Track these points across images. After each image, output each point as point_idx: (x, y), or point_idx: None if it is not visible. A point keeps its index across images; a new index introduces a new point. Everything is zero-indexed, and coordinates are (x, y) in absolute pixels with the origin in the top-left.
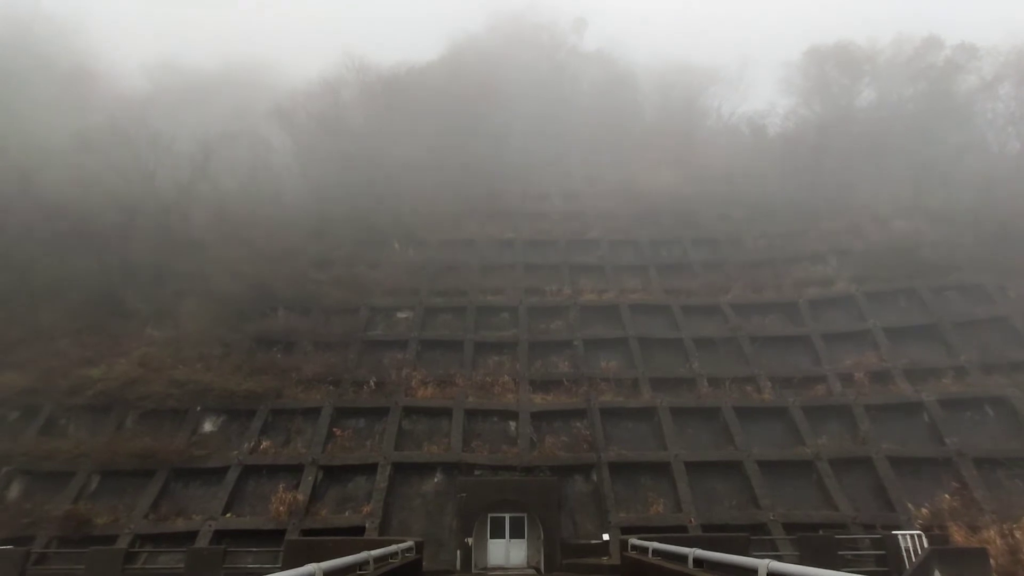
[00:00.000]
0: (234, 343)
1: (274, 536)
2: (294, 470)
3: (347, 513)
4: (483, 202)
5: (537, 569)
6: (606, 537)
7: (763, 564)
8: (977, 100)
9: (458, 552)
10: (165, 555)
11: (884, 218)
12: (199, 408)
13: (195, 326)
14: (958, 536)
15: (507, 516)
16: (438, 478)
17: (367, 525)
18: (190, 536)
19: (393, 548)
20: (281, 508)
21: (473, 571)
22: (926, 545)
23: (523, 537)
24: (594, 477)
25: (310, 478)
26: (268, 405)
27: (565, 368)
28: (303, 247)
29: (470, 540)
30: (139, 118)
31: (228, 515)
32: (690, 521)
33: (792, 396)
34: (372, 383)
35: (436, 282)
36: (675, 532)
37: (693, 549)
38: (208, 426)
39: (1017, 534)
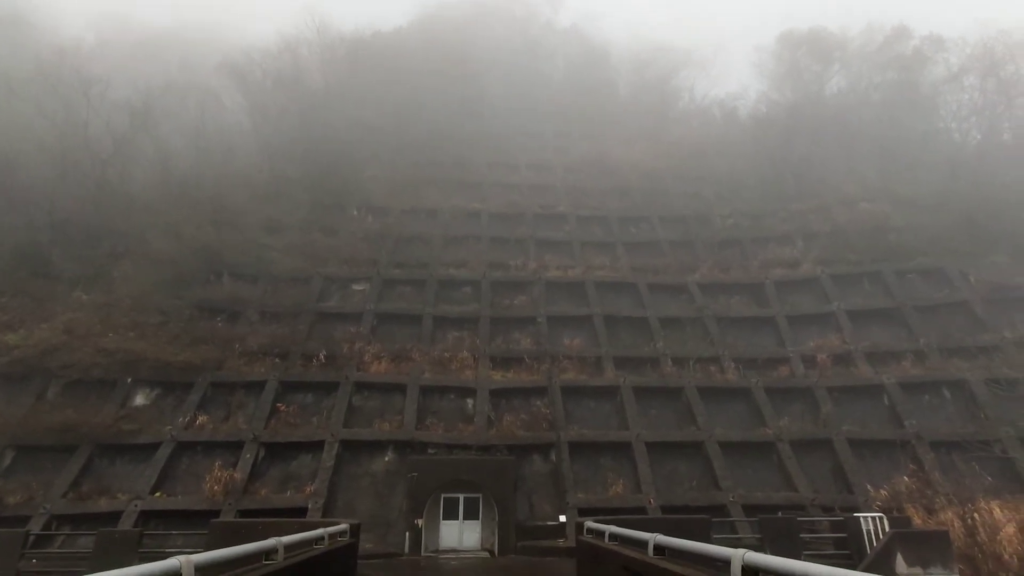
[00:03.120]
0: (172, 310)
1: (207, 517)
2: (233, 447)
3: (289, 493)
4: (448, 171)
5: (491, 551)
6: (563, 519)
7: (738, 555)
8: (943, 90)
9: (407, 534)
10: (85, 538)
11: (851, 201)
12: (130, 379)
13: (129, 291)
14: (916, 518)
15: (461, 497)
16: (389, 457)
17: (310, 506)
18: (113, 517)
19: (318, 532)
20: (216, 487)
21: (423, 554)
22: (887, 528)
23: (477, 518)
24: (553, 457)
25: (249, 456)
26: (207, 378)
27: (527, 345)
28: (253, 210)
29: (420, 522)
30: (72, 64)
31: (157, 494)
32: (649, 502)
33: (755, 377)
34: (322, 356)
35: (396, 253)
36: (634, 514)
37: (654, 534)
38: (139, 399)
39: (976, 516)
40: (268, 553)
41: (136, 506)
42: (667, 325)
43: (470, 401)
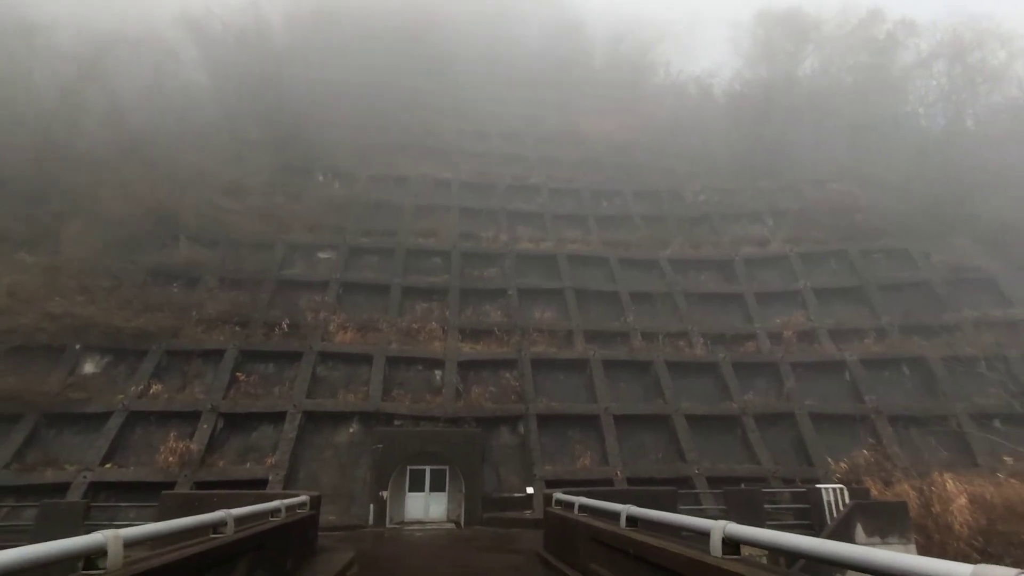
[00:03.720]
0: (125, 274)
1: (162, 490)
2: (189, 417)
3: (249, 465)
4: (418, 138)
5: (457, 523)
6: (530, 490)
7: (718, 526)
8: (913, 75)
9: (372, 506)
10: (30, 510)
11: (821, 181)
12: (78, 346)
13: (78, 253)
14: (874, 490)
15: (427, 469)
16: (354, 428)
17: (271, 478)
18: (60, 488)
19: (274, 504)
20: (171, 459)
21: (388, 526)
22: (847, 499)
23: (444, 491)
24: (521, 429)
25: (207, 426)
26: (162, 345)
27: (498, 317)
28: (213, 172)
29: (385, 494)
30: (13, 10)
31: (108, 466)
32: (616, 474)
33: (723, 352)
34: (285, 325)
35: (363, 221)
36: (602, 485)
37: (627, 506)
38: (89, 367)
39: (931, 488)
40: (216, 526)
41: (85, 477)
42: (637, 300)
43: (438, 373)
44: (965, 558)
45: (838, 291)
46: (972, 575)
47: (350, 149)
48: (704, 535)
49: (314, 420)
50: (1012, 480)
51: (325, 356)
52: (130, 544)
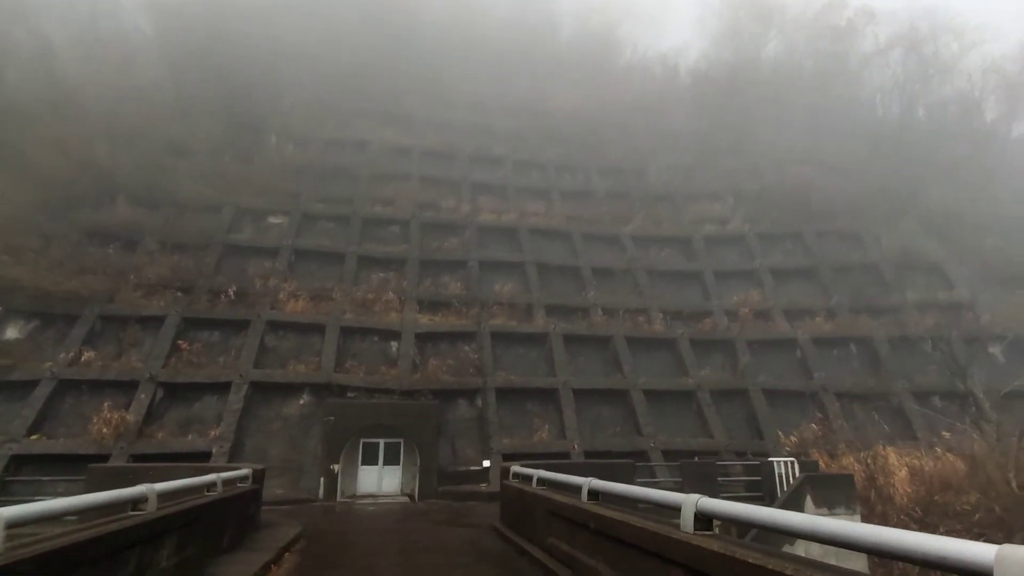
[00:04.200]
0: (55, 234)
1: (95, 462)
2: (126, 387)
3: (191, 437)
4: (378, 103)
5: (411, 496)
6: (487, 464)
7: (690, 500)
8: (871, 63)
9: (322, 480)
10: None
11: (780, 164)
12: (1, 308)
13: (2, 210)
14: (820, 462)
15: (382, 442)
16: (304, 400)
17: (214, 450)
18: None
19: (209, 477)
20: (105, 430)
21: (339, 499)
22: (797, 471)
23: (398, 464)
24: (479, 402)
25: (144, 396)
26: (96, 310)
27: (457, 289)
28: (156, 129)
29: (336, 467)
30: None
31: (35, 437)
32: (574, 447)
33: (681, 328)
34: (232, 292)
35: (318, 186)
36: (559, 458)
37: (589, 479)
38: (12, 331)
39: (875, 461)
40: (136, 502)
41: (10, 449)
42: (599, 275)
43: (394, 344)
44: (904, 528)
45: (793, 271)
46: (997, 556)
47: (306, 111)
48: (672, 509)
49: (262, 391)
50: (948, 454)
51: (275, 325)
52: (15, 525)
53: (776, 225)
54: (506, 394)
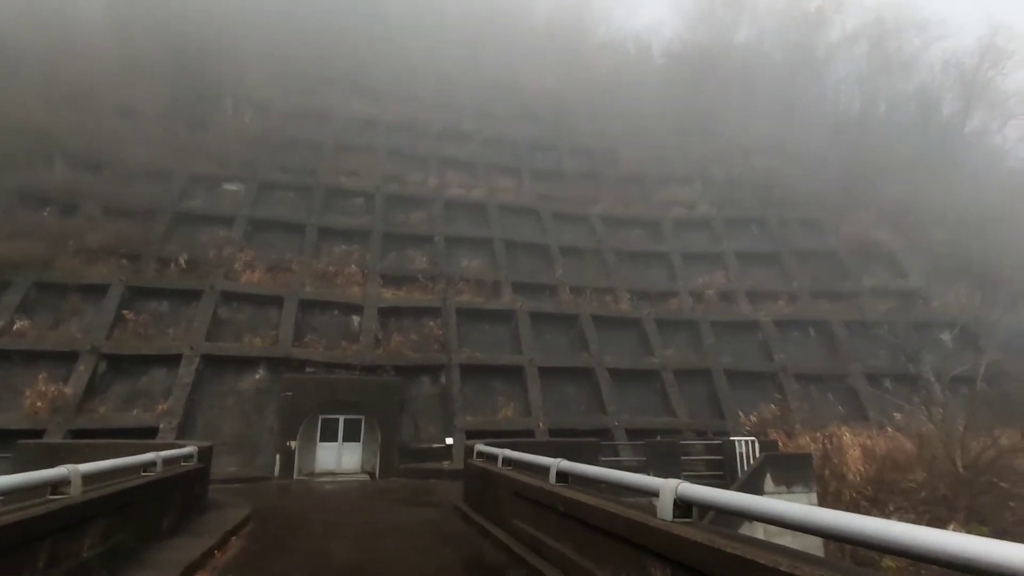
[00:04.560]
0: None
1: (28, 439)
2: (64, 358)
3: (136, 412)
4: (345, 72)
5: (371, 474)
6: (450, 441)
7: (669, 486)
8: (836, 55)
9: (278, 457)
10: None
11: (748, 151)
12: None
13: None
14: (780, 441)
15: (341, 418)
16: (260, 375)
17: (162, 426)
18: None
19: (147, 456)
20: (40, 404)
21: (296, 477)
22: (758, 450)
23: (359, 441)
24: (443, 379)
25: (85, 368)
26: (31, 277)
27: (423, 264)
28: (101, 91)
29: (294, 444)
30: None
31: None
32: (539, 425)
33: (647, 309)
34: (183, 261)
35: (278, 156)
36: (523, 436)
37: (558, 460)
38: None
39: (831, 441)
40: (57, 485)
41: None
42: (567, 254)
43: (356, 319)
44: (856, 505)
45: (757, 255)
46: None
47: (267, 78)
48: (647, 494)
49: (215, 365)
50: (898, 434)
51: (229, 296)
52: None
53: (742, 210)
54: (471, 371)
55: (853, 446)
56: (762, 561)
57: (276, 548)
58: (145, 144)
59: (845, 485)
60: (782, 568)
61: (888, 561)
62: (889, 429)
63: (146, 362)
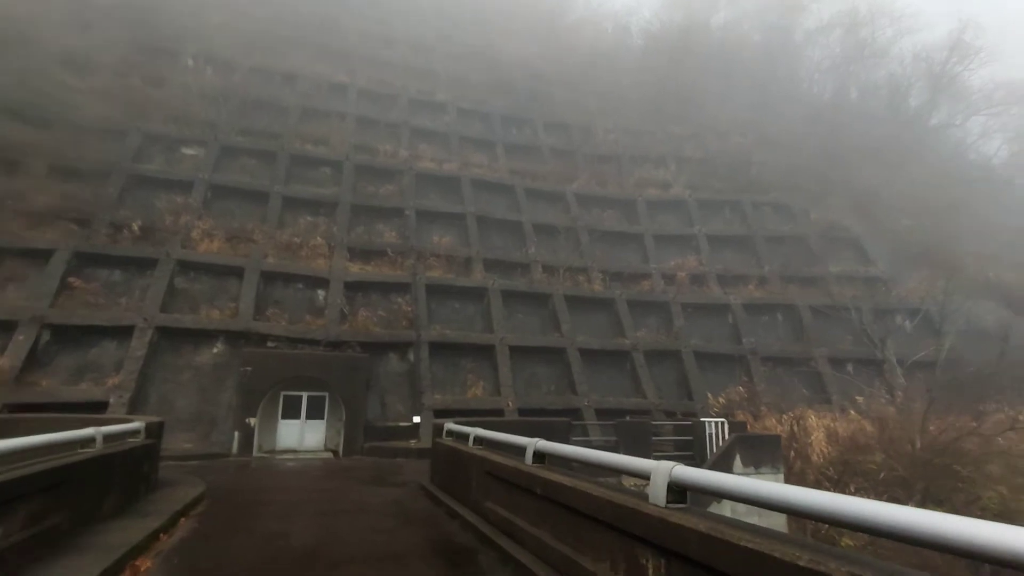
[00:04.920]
0: None
1: None
2: (3, 327)
3: (84, 385)
4: (313, 33)
5: (335, 452)
6: (417, 420)
7: (663, 469)
8: (812, 41)
9: (236, 433)
10: None
11: (723, 133)
12: None
13: None
14: (748, 423)
15: (305, 395)
16: (219, 348)
17: (112, 400)
18: None
19: (86, 432)
20: None
21: (255, 454)
22: (727, 431)
23: (322, 418)
24: (411, 356)
25: (25, 338)
26: None
27: (392, 238)
28: (47, 39)
29: (253, 420)
30: None
31: None
32: (508, 405)
33: (620, 289)
34: (136, 227)
35: (241, 117)
36: (493, 416)
37: (535, 440)
38: None
39: (797, 423)
40: None
41: None
42: (541, 232)
43: (321, 292)
44: (819, 486)
45: (729, 238)
46: None
47: (230, 35)
48: (636, 476)
49: (170, 337)
50: (860, 417)
51: (186, 265)
52: None
53: (715, 193)
54: (440, 349)
55: (817, 428)
56: (777, 555)
57: (229, 530)
58: (96, 99)
59: (810, 466)
60: (801, 563)
61: (847, 539)
62: (852, 412)
63: (96, 333)
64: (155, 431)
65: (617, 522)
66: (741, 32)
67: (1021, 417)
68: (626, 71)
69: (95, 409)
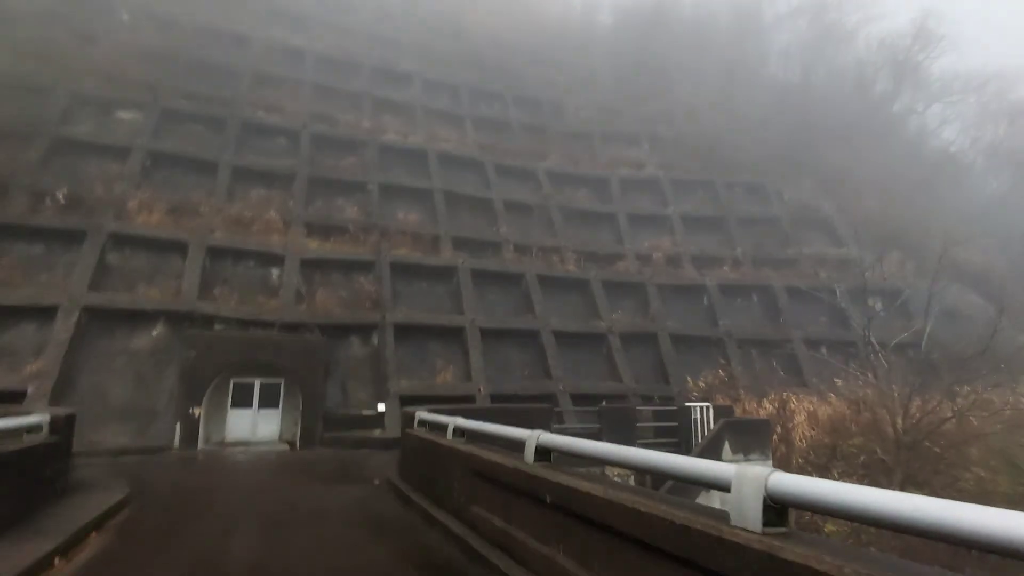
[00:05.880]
0: None
1: None
2: None
3: None
4: None
5: (291, 443)
6: (382, 408)
7: (753, 475)
8: (782, 24)
9: (178, 425)
10: None
11: (695, 113)
12: None
13: None
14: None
15: (257, 381)
16: (158, 331)
17: (30, 389)
18: None
19: None
20: None
21: (201, 447)
22: (713, 416)
23: (277, 407)
24: (375, 340)
25: None
26: None
27: (354, 214)
28: None
29: (198, 410)
30: None
31: None
32: (479, 390)
33: (594, 270)
34: (62, 196)
35: (186, 81)
36: (463, 402)
37: (537, 432)
38: None
39: (782, 407)
40: None
41: None
42: (512, 209)
43: (275, 271)
44: (803, 471)
45: (703, 219)
46: None
47: None
48: (709, 486)
49: (101, 319)
50: (840, 400)
51: (120, 240)
52: None
53: (689, 173)
54: (406, 331)
55: (799, 412)
56: None
57: (149, 549)
58: (18, 54)
59: (793, 451)
60: None
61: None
62: (832, 395)
63: (12, 314)
64: (64, 426)
65: (680, 551)
66: (712, 12)
67: (998, 400)
68: (597, 47)
69: (10, 400)
